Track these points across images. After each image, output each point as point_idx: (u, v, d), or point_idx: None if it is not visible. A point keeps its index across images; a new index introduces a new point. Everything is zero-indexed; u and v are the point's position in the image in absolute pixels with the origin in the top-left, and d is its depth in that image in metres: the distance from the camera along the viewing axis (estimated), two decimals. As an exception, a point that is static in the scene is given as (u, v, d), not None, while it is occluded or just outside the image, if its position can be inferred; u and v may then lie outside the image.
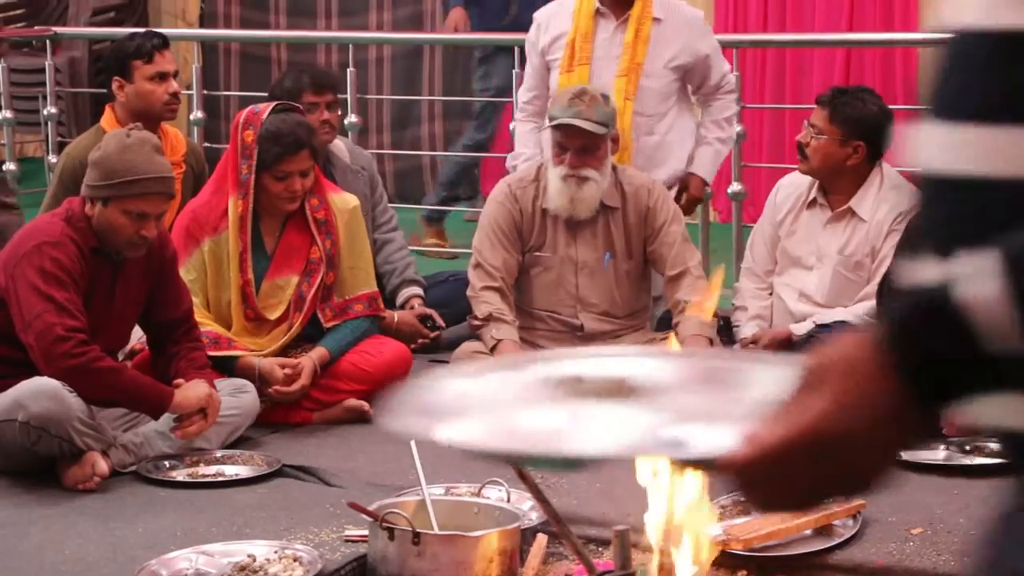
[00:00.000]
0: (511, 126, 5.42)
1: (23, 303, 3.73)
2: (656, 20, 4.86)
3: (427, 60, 8.44)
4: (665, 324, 4.67)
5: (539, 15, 5.14)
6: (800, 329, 4.46)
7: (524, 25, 5.40)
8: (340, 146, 5.06)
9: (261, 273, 4.38)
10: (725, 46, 6.05)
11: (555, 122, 4.37)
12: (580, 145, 4.37)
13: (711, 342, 4.34)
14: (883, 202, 4.51)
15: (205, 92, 7.15)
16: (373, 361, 4.41)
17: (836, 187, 4.56)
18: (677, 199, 4.89)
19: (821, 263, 4.57)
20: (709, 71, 4.99)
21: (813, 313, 4.51)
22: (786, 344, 4.44)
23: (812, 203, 4.62)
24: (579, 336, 4.53)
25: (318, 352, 4.34)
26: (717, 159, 5.13)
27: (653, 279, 4.71)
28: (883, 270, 4.38)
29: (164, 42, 5.00)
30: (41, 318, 3.70)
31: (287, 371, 4.25)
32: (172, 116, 5.01)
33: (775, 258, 4.71)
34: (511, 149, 5.36)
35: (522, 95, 5.21)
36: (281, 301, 4.37)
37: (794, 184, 4.69)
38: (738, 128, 5.55)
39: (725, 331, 4.66)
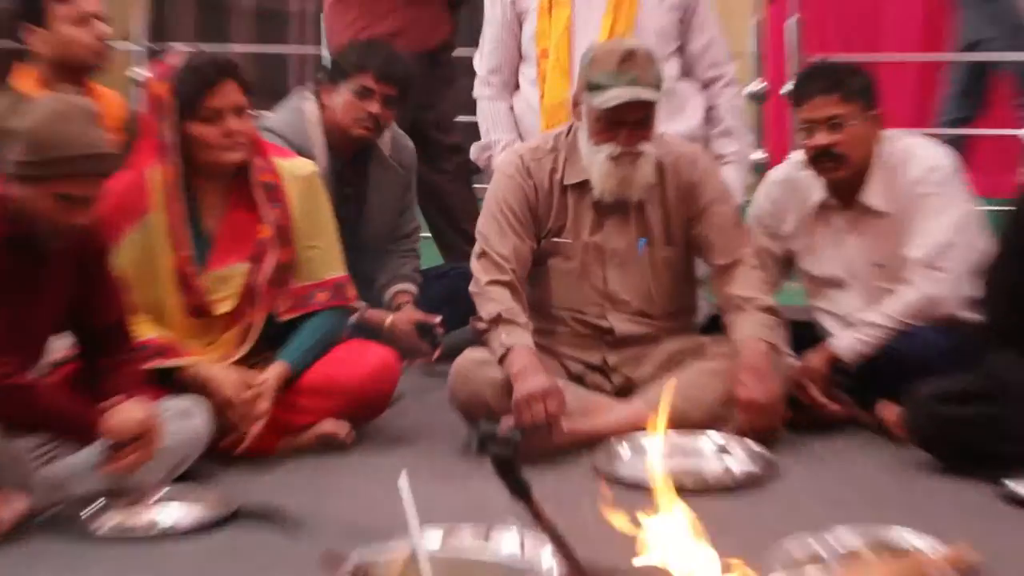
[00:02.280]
0: (478, 101, 5.42)
1: None
2: None
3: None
4: (715, 324, 4.72)
5: None
6: (846, 349, 4.46)
7: None
8: (385, 138, 5.14)
9: (201, 263, 4.36)
10: None
11: (609, 94, 4.34)
12: (639, 118, 4.38)
13: (775, 348, 4.40)
14: (892, 174, 4.53)
15: (151, 45, 7.23)
16: (351, 371, 4.40)
17: (851, 179, 4.58)
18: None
19: (855, 278, 4.62)
20: (693, 17, 5.13)
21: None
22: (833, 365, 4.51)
23: (823, 206, 4.64)
24: (608, 341, 4.57)
25: (275, 369, 4.32)
26: (740, 176, 5.18)
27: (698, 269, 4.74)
28: (924, 249, 4.41)
29: None
30: None
31: (251, 392, 4.24)
32: (100, 65, 5.02)
33: (788, 275, 4.81)
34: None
35: (483, 64, 5.32)
36: (229, 295, 4.36)
37: (790, 182, 4.71)
38: (760, 85, 5.68)
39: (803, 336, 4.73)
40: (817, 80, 4.54)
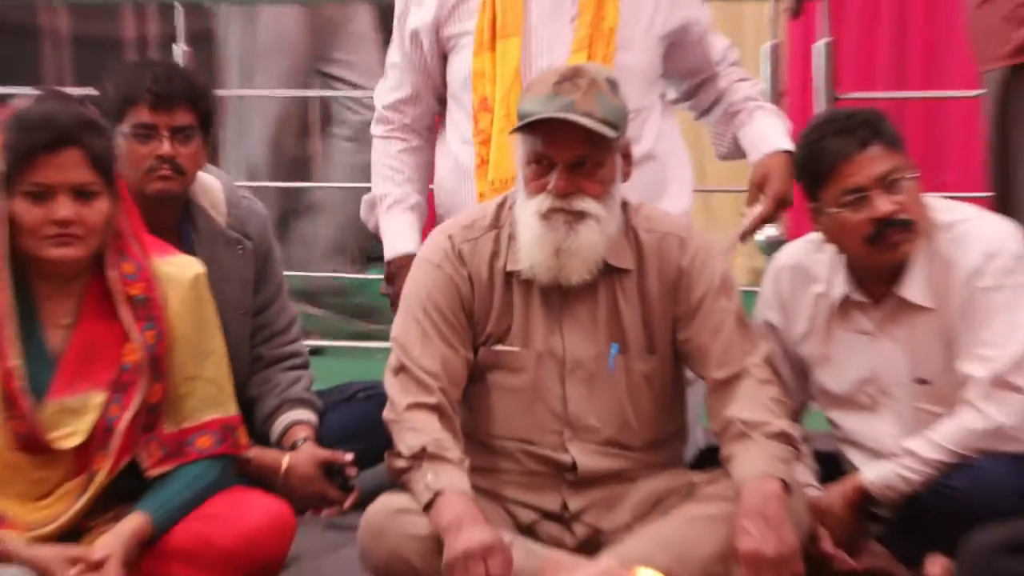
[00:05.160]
0: (373, 133, 5.55)
1: None
2: None
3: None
4: (709, 458, 4.77)
5: None
6: (878, 485, 4.58)
7: None
8: (212, 192, 5.16)
9: (41, 388, 4.38)
10: None
11: (529, 119, 4.40)
12: (575, 158, 4.41)
13: (786, 487, 4.39)
14: (940, 260, 4.60)
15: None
16: (229, 530, 4.44)
17: (894, 264, 4.65)
18: (751, 201, 5.11)
19: (890, 397, 4.70)
20: (704, 40, 5.30)
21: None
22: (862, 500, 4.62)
23: (845, 302, 4.73)
24: (569, 480, 4.61)
25: (132, 522, 4.35)
26: (783, 124, 5.37)
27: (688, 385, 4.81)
28: (982, 361, 4.50)
29: None
30: None
31: (76, 570, 4.24)
32: None
33: (810, 392, 4.88)
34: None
35: (382, 96, 5.42)
36: (75, 431, 4.38)
37: (803, 270, 4.83)
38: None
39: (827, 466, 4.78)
40: (846, 134, 4.57)
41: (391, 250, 5.32)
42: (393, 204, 5.34)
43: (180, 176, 4.98)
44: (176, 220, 4.96)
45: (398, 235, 5.35)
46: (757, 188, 5.12)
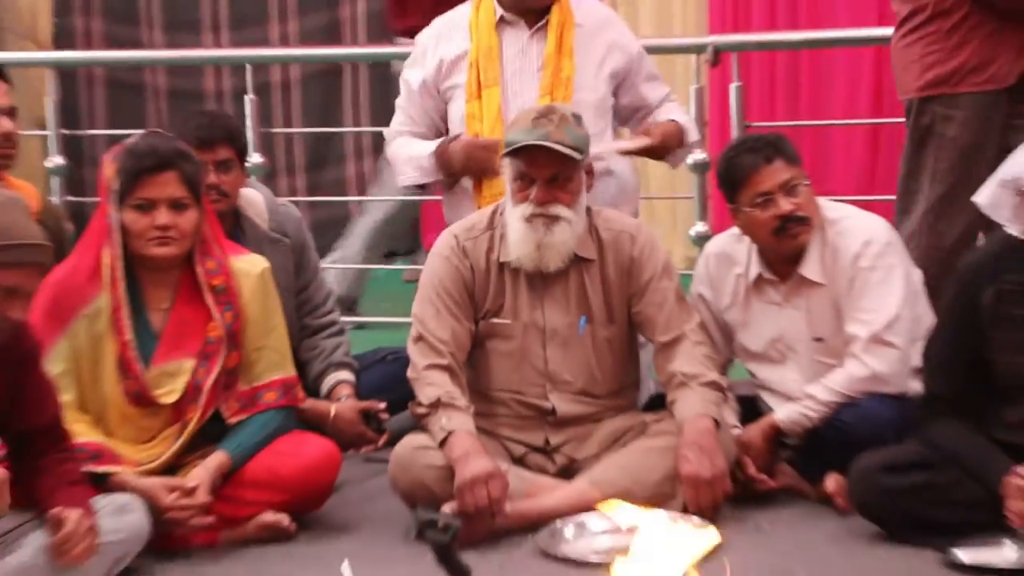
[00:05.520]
0: (388, 150, 5.33)
1: None
2: (579, 25, 5.02)
3: (348, 81, 8.48)
4: (657, 402, 4.74)
5: (423, 37, 5.20)
6: (787, 422, 4.54)
7: None
8: (255, 203, 5.05)
9: (147, 357, 4.37)
10: (724, 49, 6.23)
11: (516, 146, 4.41)
12: (550, 175, 4.42)
13: (718, 423, 4.41)
14: (829, 246, 4.60)
15: (64, 132, 7.14)
16: (291, 463, 4.41)
17: (795, 249, 4.63)
18: (641, 133, 5.02)
19: (794, 354, 4.67)
20: (642, 75, 5.12)
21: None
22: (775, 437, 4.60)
23: (759, 280, 4.69)
24: (550, 422, 4.59)
25: (216, 459, 4.35)
26: (683, 113, 5.20)
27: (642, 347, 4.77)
28: (862, 323, 4.49)
29: None
30: None
31: (177, 495, 4.25)
32: (8, 164, 4.88)
33: (733, 350, 4.83)
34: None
35: (391, 129, 5.23)
36: (173, 390, 4.37)
37: (727, 259, 4.77)
38: (701, 155, 5.85)
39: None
40: (755, 152, 4.59)
41: (427, 150, 5.04)
42: (410, 135, 5.14)
43: (224, 198, 4.86)
44: (228, 229, 4.76)
45: (423, 145, 5.08)
46: (645, 130, 5.01)
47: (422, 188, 5.40)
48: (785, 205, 4.51)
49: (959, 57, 4.86)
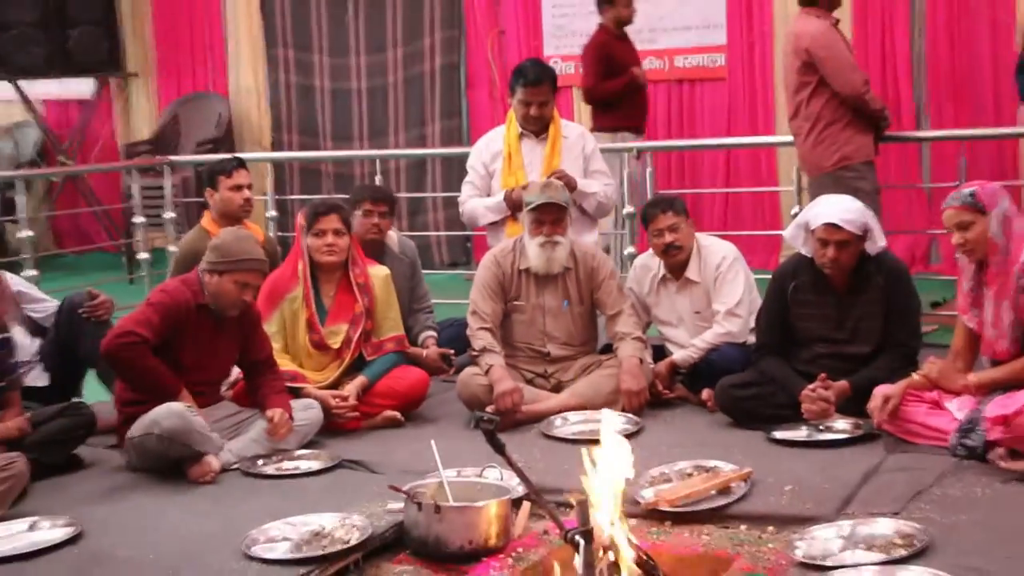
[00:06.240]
0: (464, 207, 4.99)
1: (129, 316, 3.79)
2: (565, 137, 4.87)
3: (430, 167, 8.53)
4: (608, 349, 4.59)
5: (482, 140, 5.03)
6: (681, 360, 4.41)
7: None
8: (393, 238, 4.90)
9: (322, 322, 4.28)
10: (643, 150, 6.00)
11: (535, 204, 4.31)
12: (554, 218, 4.32)
13: (642, 361, 4.29)
14: (701, 260, 4.45)
15: (276, 196, 7.21)
16: (401, 383, 4.34)
17: (681, 262, 4.48)
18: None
19: (683, 321, 4.50)
20: (592, 164, 4.89)
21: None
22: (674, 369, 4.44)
23: (663, 279, 4.53)
24: (547, 360, 4.46)
25: (360, 380, 4.27)
26: (600, 194, 4.84)
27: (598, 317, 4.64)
28: (722, 303, 4.35)
29: (240, 163, 4.95)
30: (125, 320, 3.75)
31: (337, 400, 4.19)
32: (246, 215, 4.92)
33: (650, 319, 4.61)
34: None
35: (467, 189, 4.97)
36: (336, 342, 4.29)
37: (646, 266, 4.59)
38: (631, 208, 5.60)
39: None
40: (659, 205, 4.46)
41: (497, 199, 4.80)
42: (477, 196, 4.89)
43: (380, 232, 4.77)
44: (378, 250, 4.71)
45: (491, 199, 4.86)
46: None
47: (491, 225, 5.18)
48: (668, 237, 4.38)
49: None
